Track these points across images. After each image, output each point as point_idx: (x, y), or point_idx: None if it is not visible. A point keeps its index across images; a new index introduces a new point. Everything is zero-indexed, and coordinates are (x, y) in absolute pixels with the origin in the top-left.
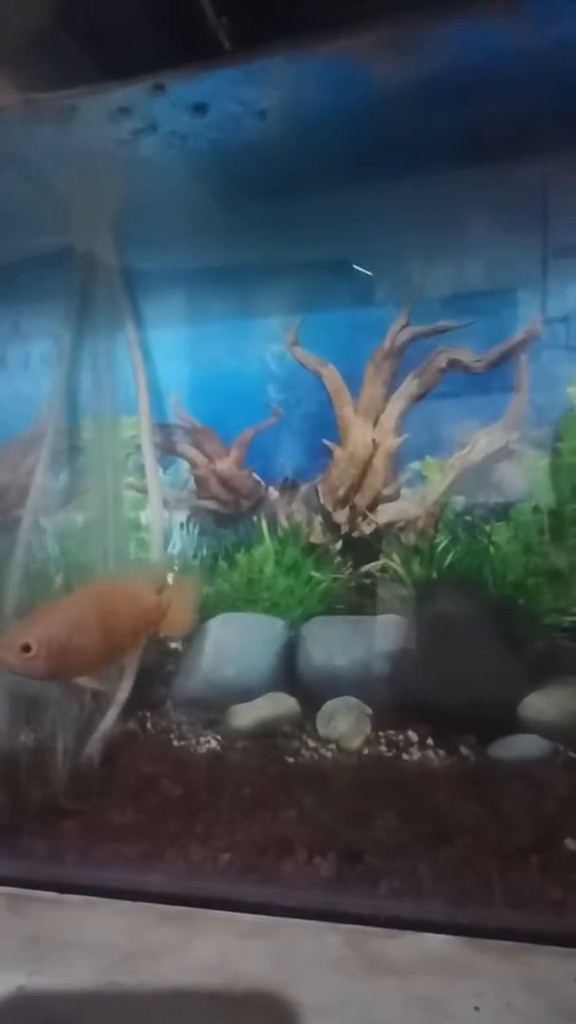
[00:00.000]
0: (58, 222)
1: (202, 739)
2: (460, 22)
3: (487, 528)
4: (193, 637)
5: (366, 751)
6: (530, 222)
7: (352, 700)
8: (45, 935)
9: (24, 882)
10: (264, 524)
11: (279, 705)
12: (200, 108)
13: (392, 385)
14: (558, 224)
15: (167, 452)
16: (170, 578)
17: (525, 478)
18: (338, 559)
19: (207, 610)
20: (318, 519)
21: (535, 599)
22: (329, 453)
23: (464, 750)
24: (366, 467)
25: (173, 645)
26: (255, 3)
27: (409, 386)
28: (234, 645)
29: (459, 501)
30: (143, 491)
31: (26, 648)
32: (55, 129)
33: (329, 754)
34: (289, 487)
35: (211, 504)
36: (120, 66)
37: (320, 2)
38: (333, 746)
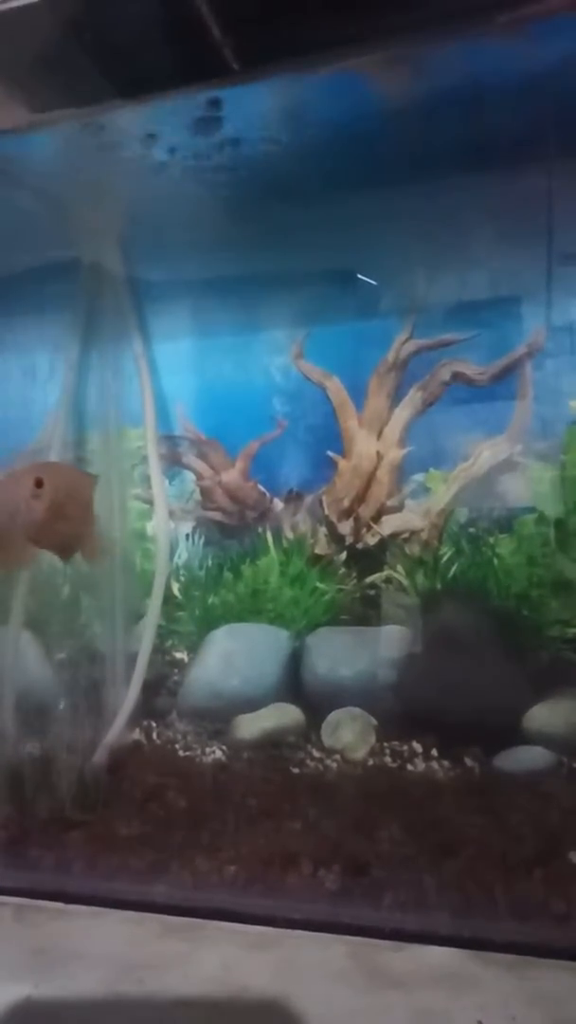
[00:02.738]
0: (65, 234)
1: (207, 749)
2: (465, 41)
3: (491, 540)
4: (199, 648)
5: (371, 762)
6: (534, 233)
7: (357, 711)
8: (51, 946)
9: (30, 892)
10: (269, 535)
11: (284, 715)
12: (206, 124)
13: (396, 397)
14: (562, 235)
15: (173, 463)
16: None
17: (529, 490)
18: (342, 570)
19: (213, 621)
20: (323, 530)
21: (539, 611)
22: (333, 465)
23: (469, 761)
24: (370, 479)
25: (178, 655)
26: (261, 22)
27: (413, 398)
28: (239, 656)
29: (463, 513)
30: (149, 502)
31: (39, 484)
32: (64, 145)
33: (334, 765)
34: (294, 498)
35: (216, 515)
36: (129, 84)
37: (325, 21)
38: (338, 757)
